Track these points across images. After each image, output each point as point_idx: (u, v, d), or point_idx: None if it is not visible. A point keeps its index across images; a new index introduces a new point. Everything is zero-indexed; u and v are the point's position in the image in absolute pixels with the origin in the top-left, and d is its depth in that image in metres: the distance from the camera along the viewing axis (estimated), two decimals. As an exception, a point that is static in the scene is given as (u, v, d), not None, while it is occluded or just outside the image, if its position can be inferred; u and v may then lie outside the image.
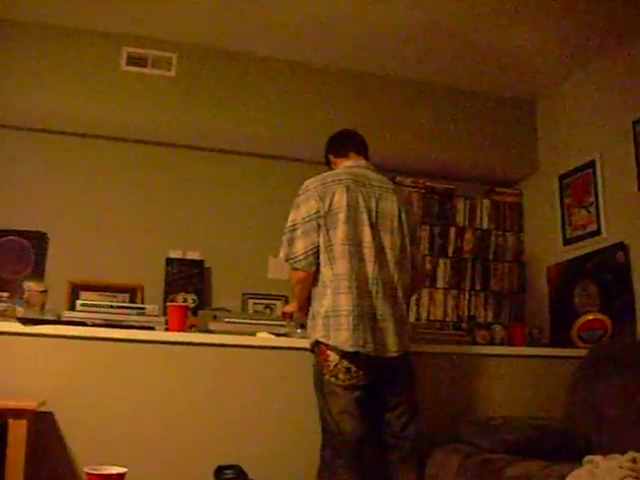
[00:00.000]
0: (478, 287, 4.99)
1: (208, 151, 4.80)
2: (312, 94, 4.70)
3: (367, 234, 2.89)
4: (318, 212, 2.89)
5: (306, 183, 3.01)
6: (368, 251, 2.88)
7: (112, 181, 4.61)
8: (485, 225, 5.11)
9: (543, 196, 4.98)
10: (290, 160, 4.86)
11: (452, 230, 5.01)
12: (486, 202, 5.14)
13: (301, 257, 2.89)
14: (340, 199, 2.89)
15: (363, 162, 3.14)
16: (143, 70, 4.40)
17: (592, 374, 3.27)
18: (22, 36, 4.23)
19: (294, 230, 2.93)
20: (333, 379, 2.81)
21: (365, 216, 2.90)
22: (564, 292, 4.56)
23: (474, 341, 4.01)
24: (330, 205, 2.88)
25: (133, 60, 4.38)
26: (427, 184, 5.00)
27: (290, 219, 2.97)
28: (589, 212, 4.45)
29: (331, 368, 2.82)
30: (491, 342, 4.04)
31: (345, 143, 3.23)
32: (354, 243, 2.86)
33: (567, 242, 4.63)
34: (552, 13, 4.00)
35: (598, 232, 4.34)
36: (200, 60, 4.52)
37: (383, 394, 2.94)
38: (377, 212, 2.95)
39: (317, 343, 2.88)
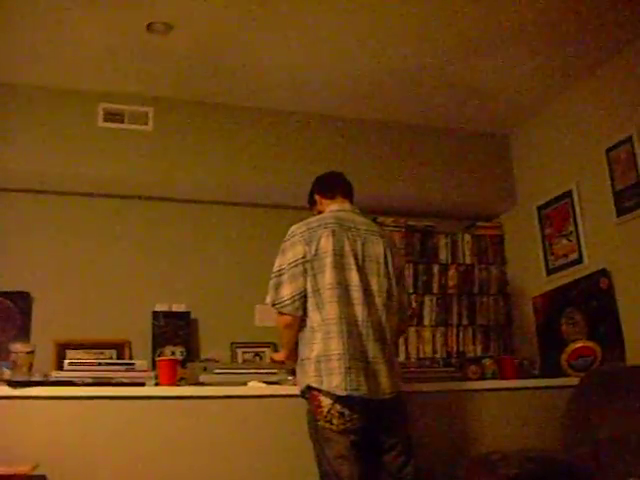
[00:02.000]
0: (465, 322, 5.00)
1: (189, 202, 4.82)
2: (290, 140, 4.76)
3: (354, 277, 2.89)
4: (305, 257, 2.89)
5: (292, 228, 3.01)
6: (356, 294, 2.87)
7: (93, 237, 4.59)
8: (468, 260, 5.14)
9: (523, 228, 5.04)
10: (273, 207, 4.90)
11: (435, 267, 5.04)
12: (467, 237, 5.18)
13: (288, 302, 2.88)
14: (326, 244, 2.89)
15: (348, 206, 3.16)
16: (120, 126, 4.43)
17: (585, 402, 3.27)
18: (-2, 97, 4.26)
19: (280, 275, 2.93)
20: (327, 424, 2.78)
21: (352, 260, 2.91)
22: (551, 321, 4.58)
23: (465, 376, 4.00)
24: (317, 250, 2.89)
25: (110, 116, 4.41)
26: (408, 223, 5.03)
27: (277, 264, 2.97)
28: (570, 241, 4.50)
29: (324, 414, 2.79)
30: (482, 376, 4.02)
31: (333, 185, 3.24)
32: (342, 287, 2.86)
33: (550, 272, 4.68)
34: (521, 48, 4.10)
35: (580, 260, 4.39)
36: (177, 113, 4.57)
37: (379, 436, 2.91)
38: (363, 255, 2.96)
39: (309, 389, 2.86)
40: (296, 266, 2.89)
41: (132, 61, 4.13)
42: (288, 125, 4.80)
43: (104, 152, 4.36)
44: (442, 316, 4.96)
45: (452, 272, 5.07)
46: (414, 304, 4.88)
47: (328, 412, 2.77)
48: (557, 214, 4.64)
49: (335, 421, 2.76)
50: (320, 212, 3.18)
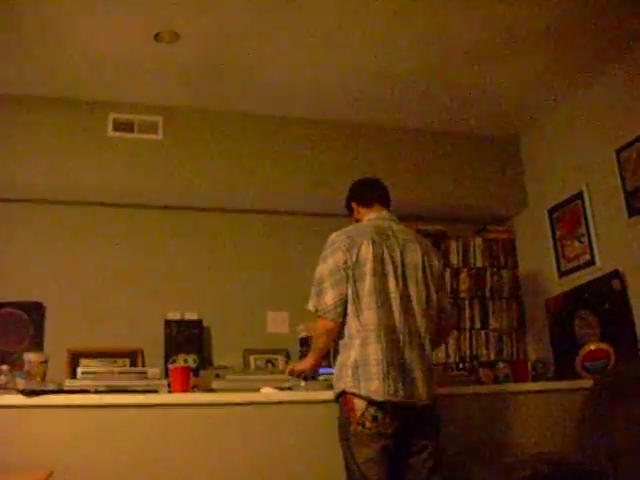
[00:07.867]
0: (478, 326, 4.98)
1: (200, 211, 4.83)
2: (301, 147, 4.78)
3: (393, 285, 2.91)
4: (346, 263, 2.92)
5: (332, 236, 3.05)
6: (395, 301, 2.90)
7: (105, 247, 4.62)
8: (479, 264, 5.12)
9: (535, 230, 5.02)
10: (283, 214, 4.91)
11: (447, 271, 5.02)
12: (478, 241, 5.16)
13: (331, 308, 2.91)
14: (366, 252, 2.92)
15: (386, 213, 3.19)
16: (130, 135, 4.46)
17: (600, 404, 3.25)
18: (8, 109, 4.29)
19: (322, 282, 2.96)
20: (360, 428, 2.79)
21: (390, 267, 2.93)
22: (564, 324, 4.56)
23: (479, 380, 3.99)
24: (357, 257, 2.92)
25: (120, 126, 4.44)
26: (419, 228, 5.01)
27: (318, 271, 3.00)
28: (581, 243, 4.48)
29: (357, 417, 2.80)
30: (495, 380, 4.01)
31: (371, 193, 3.28)
32: (381, 294, 2.89)
33: (562, 274, 4.66)
34: (529, 49, 4.09)
35: (592, 262, 4.36)
36: (187, 122, 4.59)
37: (409, 439, 2.90)
38: (402, 263, 2.98)
39: (343, 393, 2.87)
40: (338, 272, 2.92)
41: (140, 71, 4.16)
42: (298, 132, 4.81)
43: (114, 162, 4.39)
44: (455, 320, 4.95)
45: (464, 276, 5.05)
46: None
47: (362, 415, 2.79)
48: (568, 216, 4.62)
49: (368, 424, 2.78)
50: (357, 220, 3.24)
